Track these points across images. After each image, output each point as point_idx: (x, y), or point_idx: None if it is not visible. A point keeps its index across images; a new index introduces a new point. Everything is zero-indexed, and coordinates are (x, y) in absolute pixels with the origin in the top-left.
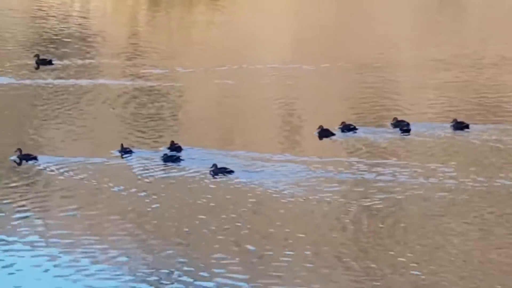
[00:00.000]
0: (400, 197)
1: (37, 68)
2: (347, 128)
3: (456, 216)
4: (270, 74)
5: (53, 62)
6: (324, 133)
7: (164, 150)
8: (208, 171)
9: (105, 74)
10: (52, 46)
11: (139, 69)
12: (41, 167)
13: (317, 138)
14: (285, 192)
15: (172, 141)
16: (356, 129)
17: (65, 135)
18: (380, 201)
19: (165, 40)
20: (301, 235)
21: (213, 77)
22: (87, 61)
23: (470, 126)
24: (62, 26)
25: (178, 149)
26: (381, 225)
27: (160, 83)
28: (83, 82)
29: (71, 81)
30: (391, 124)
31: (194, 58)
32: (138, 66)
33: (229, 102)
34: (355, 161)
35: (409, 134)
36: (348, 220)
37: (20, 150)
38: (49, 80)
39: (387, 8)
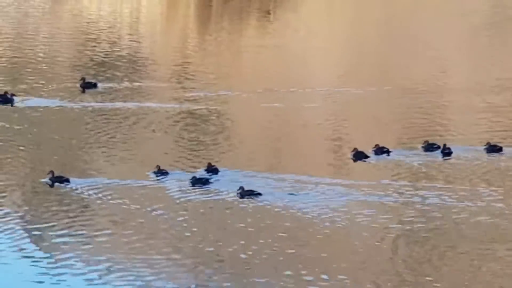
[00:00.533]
0: (441, 221)
1: (82, 92)
2: (380, 150)
3: (500, 241)
4: (318, 97)
5: (98, 85)
6: (359, 155)
7: (201, 172)
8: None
9: (152, 97)
10: (101, 69)
11: (187, 93)
12: (73, 190)
13: (355, 161)
14: (323, 216)
15: (209, 163)
16: (390, 151)
17: (104, 158)
18: (421, 225)
19: (215, 63)
20: (339, 261)
21: (261, 101)
22: (135, 84)
23: (505, 149)
24: (111, 49)
25: (215, 171)
26: (420, 250)
27: (207, 106)
28: (129, 105)
29: (116, 104)
30: (422, 147)
31: (243, 82)
32: (186, 90)
33: (274, 126)
34: (395, 184)
35: (450, 158)
36: (388, 245)
37: (52, 172)
38: (93, 103)
39: (438, 31)
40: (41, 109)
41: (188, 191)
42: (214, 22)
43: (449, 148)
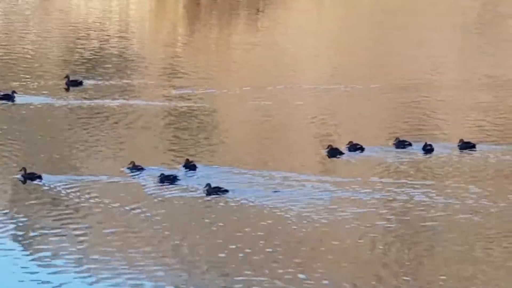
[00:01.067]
0: (420, 219)
1: (67, 90)
2: (354, 147)
3: (479, 241)
4: (306, 95)
5: (83, 82)
6: (333, 152)
7: (180, 168)
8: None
9: (139, 94)
10: (89, 66)
11: (174, 90)
12: (45, 186)
13: (329, 157)
14: (302, 213)
15: (187, 159)
16: (363, 148)
17: (83, 155)
18: (400, 224)
19: (203, 61)
20: (317, 260)
21: (249, 98)
22: (122, 81)
23: (479, 146)
24: (100, 46)
25: (193, 167)
26: (399, 249)
27: (194, 104)
28: (114, 102)
29: (100, 102)
30: (393, 144)
31: (231, 79)
32: (174, 87)
33: (260, 123)
34: (375, 182)
35: (431, 155)
36: (366, 244)
37: (24, 169)
38: (77, 101)
39: (430, 28)
40: (26, 107)
41: (159, 187)
42: (203, 19)
43: (430, 145)
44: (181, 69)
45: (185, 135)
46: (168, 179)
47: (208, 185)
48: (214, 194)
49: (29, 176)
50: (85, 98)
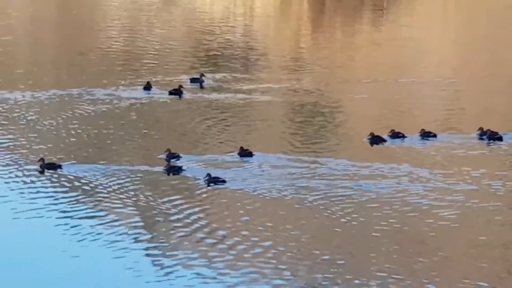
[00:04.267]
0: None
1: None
2: (395, 135)
3: None
4: (428, 89)
5: (204, 80)
6: (375, 139)
7: (234, 155)
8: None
9: (260, 89)
10: (212, 62)
11: (296, 84)
12: (64, 175)
13: (371, 145)
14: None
15: (241, 147)
16: (405, 136)
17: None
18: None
19: (327, 57)
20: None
21: (370, 92)
22: (245, 76)
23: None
24: (224, 43)
25: (249, 154)
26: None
27: (314, 98)
28: (235, 97)
29: (220, 96)
30: (420, 135)
31: (354, 74)
32: (296, 81)
33: (378, 115)
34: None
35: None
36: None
37: (43, 159)
38: (198, 96)
39: None
40: (152, 102)
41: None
42: (327, 17)
43: (496, 133)
44: (304, 64)
45: (298, 127)
46: (173, 170)
47: (208, 175)
48: (213, 184)
49: (48, 166)
50: (206, 94)
